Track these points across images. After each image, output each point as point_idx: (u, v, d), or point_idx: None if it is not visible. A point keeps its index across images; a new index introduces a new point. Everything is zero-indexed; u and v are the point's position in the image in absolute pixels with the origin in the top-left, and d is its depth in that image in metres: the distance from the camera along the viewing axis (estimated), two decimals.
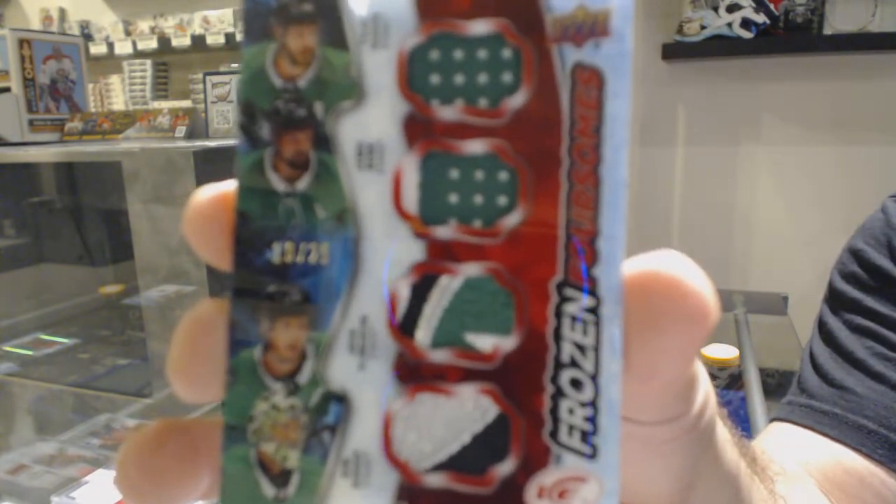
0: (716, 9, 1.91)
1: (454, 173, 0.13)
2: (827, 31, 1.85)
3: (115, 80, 3.18)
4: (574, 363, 0.12)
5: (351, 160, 0.13)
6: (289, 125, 0.13)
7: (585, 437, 0.12)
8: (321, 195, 0.13)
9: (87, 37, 3.14)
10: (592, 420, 0.12)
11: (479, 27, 0.12)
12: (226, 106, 1.25)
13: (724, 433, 0.19)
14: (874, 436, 0.37)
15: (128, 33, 3.14)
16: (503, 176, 0.12)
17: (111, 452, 0.88)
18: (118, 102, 3.15)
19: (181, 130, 1.21)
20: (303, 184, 0.13)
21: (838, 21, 1.84)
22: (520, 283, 0.12)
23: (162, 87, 3.13)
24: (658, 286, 0.12)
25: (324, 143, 0.13)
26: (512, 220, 0.12)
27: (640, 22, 2.09)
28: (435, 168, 0.13)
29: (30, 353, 1.18)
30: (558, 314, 0.12)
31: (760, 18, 1.87)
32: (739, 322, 1.25)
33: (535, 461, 0.12)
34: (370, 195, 0.13)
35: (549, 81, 0.12)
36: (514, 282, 0.12)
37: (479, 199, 0.12)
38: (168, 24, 3.04)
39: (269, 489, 0.13)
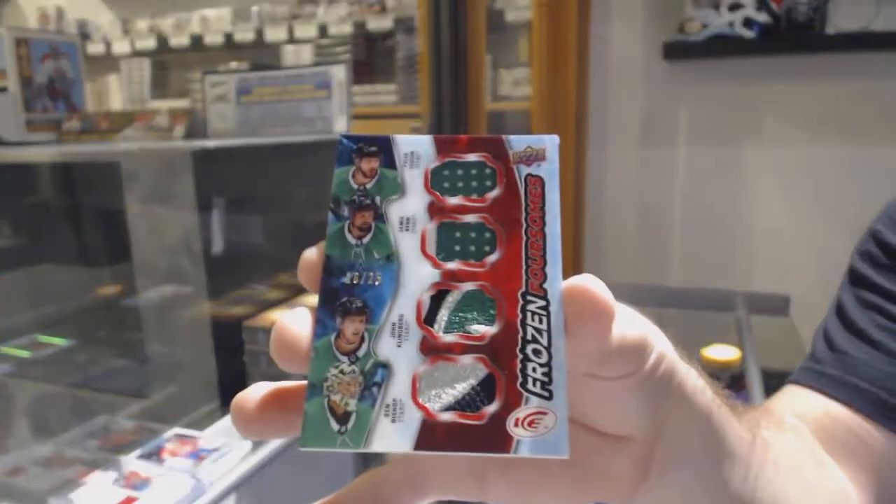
0: (717, 8, 1.91)
1: (458, 232, 0.21)
2: (829, 30, 1.85)
3: (112, 79, 3.17)
4: (535, 340, 0.19)
5: (395, 226, 0.21)
6: (360, 208, 0.22)
7: (544, 385, 0.19)
8: (377, 246, 0.21)
9: (85, 36, 3.13)
10: (548, 375, 0.19)
11: (472, 157, 0.22)
12: (224, 106, 1.24)
13: (693, 383, 0.26)
14: (864, 393, 0.43)
15: (125, 32, 3.13)
16: (487, 234, 0.21)
17: (109, 454, 0.87)
18: (116, 102, 3.14)
19: (179, 130, 1.20)
20: (366, 239, 0.21)
21: (841, 20, 1.83)
22: (499, 293, 0.20)
23: (160, 86, 3.12)
24: (580, 294, 0.20)
25: (380, 217, 0.21)
26: (493, 257, 0.21)
27: (640, 21, 2.09)
28: (446, 230, 0.21)
29: (27, 354, 1.17)
30: (524, 311, 0.20)
31: (762, 17, 1.87)
32: (741, 323, 1.24)
33: (512, 402, 0.19)
34: (407, 245, 0.21)
35: (513, 183, 0.22)
36: (496, 293, 0.20)
37: (472, 247, 0.21)
38: (166, 24, 3.03)
39: (335, 425, 0.19)
